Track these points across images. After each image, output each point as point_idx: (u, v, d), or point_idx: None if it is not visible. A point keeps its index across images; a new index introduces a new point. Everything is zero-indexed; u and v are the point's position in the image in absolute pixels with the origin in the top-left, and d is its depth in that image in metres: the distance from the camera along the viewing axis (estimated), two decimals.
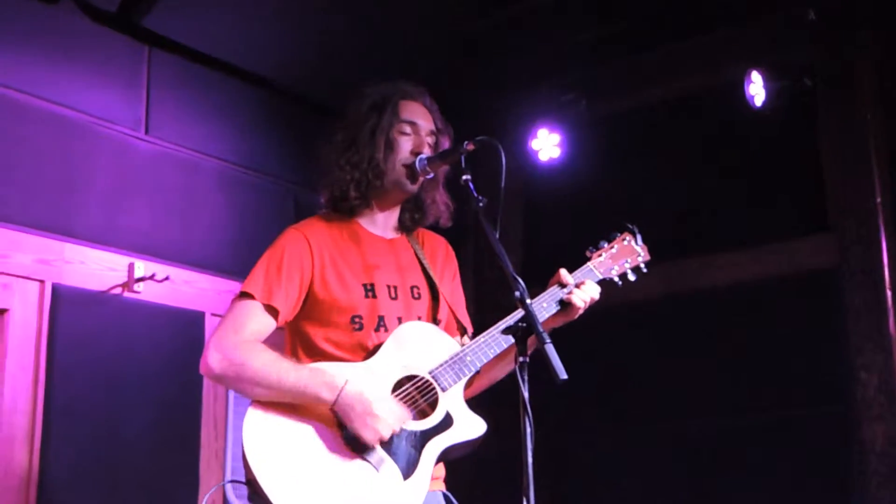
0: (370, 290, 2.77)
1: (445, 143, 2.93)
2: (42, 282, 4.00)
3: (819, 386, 4.49)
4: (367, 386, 2.58)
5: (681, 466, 4.74)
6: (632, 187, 5.08)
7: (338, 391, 2.55)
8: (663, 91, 5.13)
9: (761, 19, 4.71)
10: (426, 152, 2.85)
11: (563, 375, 2.27)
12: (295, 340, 2.80)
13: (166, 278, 4.35)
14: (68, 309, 4.04)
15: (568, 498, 4.90)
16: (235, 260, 4.71)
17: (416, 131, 2.88)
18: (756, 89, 4.56)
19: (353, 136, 2.88)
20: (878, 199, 4.47)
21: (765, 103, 4.57)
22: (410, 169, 2.83)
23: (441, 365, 2.70)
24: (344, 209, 2.88)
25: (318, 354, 2.72)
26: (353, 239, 2.85)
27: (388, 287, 2.80)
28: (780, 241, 4.71)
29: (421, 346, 2.73)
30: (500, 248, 2.53)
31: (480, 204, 2.62)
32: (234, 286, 4.63)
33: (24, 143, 4.03)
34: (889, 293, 4.38)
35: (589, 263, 2.91)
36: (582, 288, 2.81)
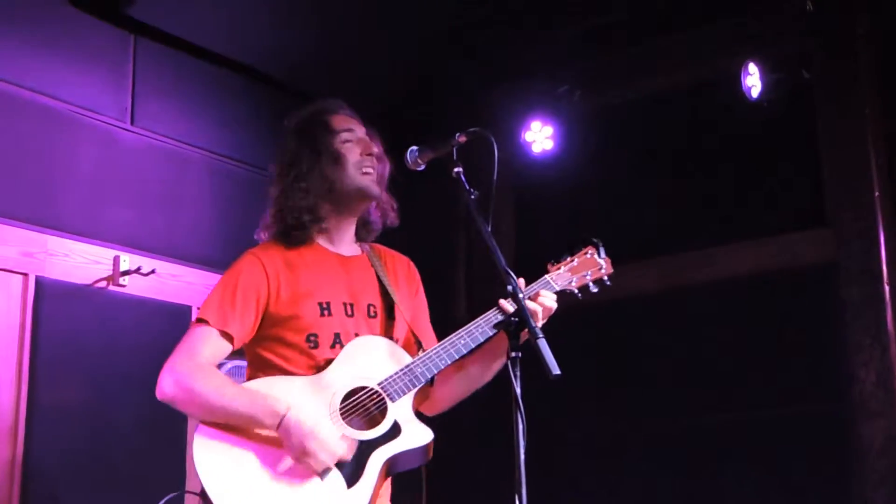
0: (326, 309, 2.78)
1: (378, 146, 2.94)
2: (25, 275, 3.96)
3: (816, 383, 4.45)
4: (307, 415, 2.59)
5: (677, 463, 4.70)
6: (625, 180, 5.04)
7: (279, 418, 2.58)
8: (658, 83, 5.09)
9: (759, 10, 4.67)
10: (376, 151, 2.88)
11: (556, 371, 2.27)
12: (254, 359, 2.83)
13: (152, 272, 4.30)
14: (52, 303, 4.00)
15: (565, 494, 4.86)
16: (223, 253, 4.66)
17: (356, 137, 2.90)
18: (753, 81, 4.51)
19: (295, 167, 2.87)
20: (877, 194, 4.43)
21: (761, 95, 4.53)
22: (368, 167, 2.84)
23: (391, 376, 2.71)
24: (300, 238, 2.87)
25: (275, 372, 2.76)
26: (310, 258, 2.86)
27: (345, 305, 2.82)
28: (778, 236, 4.67)
29: (372, 358, 2.75)
30: (492, 241, 2.53)
31: (472, 197, 2.61)
32: None
33: (5, 133, 3.99)
34: (887, 288, 4.34)
35: (546, 276, 2.87)
36: (537, 298, 2.74)
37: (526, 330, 2.44)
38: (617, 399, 4.91)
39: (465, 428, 4.75)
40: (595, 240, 2.95)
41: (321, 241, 2.90)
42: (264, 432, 2.60)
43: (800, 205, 4.66)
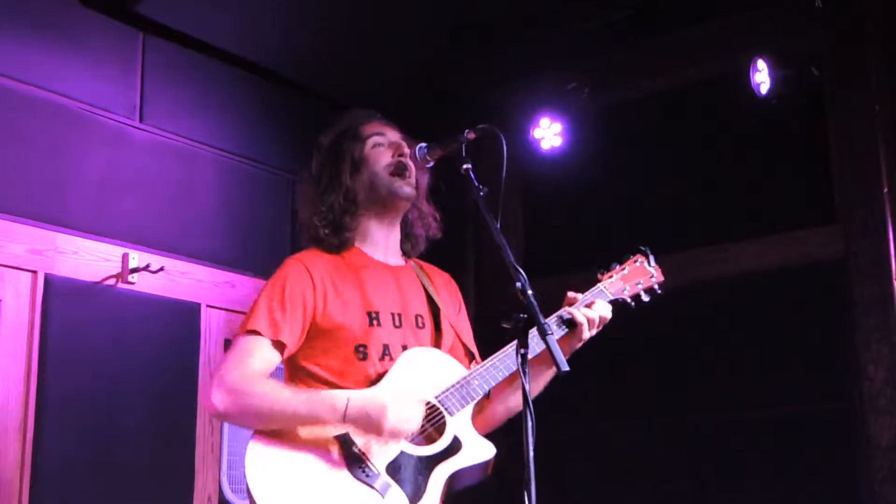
0: (375, 318, 2.72)
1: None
2: (34, 272, 3.95)
3: (824, 380, 4.44)
4: (371, 394, 2.54)
5: (682, 462, 4.69)
6: (634, 177, 5.03)
7: (342, 411, 2.50)
8: (667, 79, 5.08)
9: (767, 7, 4.66)
10: (408, 153, 2.82)
11: (565, 367, 2.25)
12: (296, 374, 2.73)
13: (161, 269, 4.30)
14: (61, 300, 3.99)
15: (569, 492, 4.85)
16: (232, 251, 4.67)
17: (387, 141, 2.87)
18: (762, 77, 4.50)
19: (324, 177, 2.85)
20: (886, 190, 4.41)
21: (770, 91, 4.51)
22: (399, 168, 2.81)
23: (448, 389, 2.66)
24: (339, 244, 2.82)
25: (322, 386, 2.66)
26: (356, 265, 2.80)
27: (393, 315, 2.76)
28: (786, 233, 4.65)
29: (427, 371, 2.69)
30: (501, 238, 2.50)
31: (481, 193, 2.58)
32: (231, 277, 4.61)
33: (14, 130, 3.99)
34: None
35: (599, 284, 2.86)
36: (592, 307, 2.76)
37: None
38: (621, 397, 4.90)
39: None
40: (643, 248, 2.95)
41: (366, 249, 2.84)
42: (322, 445, 2.52)
43: (809, 201, 4.65)
